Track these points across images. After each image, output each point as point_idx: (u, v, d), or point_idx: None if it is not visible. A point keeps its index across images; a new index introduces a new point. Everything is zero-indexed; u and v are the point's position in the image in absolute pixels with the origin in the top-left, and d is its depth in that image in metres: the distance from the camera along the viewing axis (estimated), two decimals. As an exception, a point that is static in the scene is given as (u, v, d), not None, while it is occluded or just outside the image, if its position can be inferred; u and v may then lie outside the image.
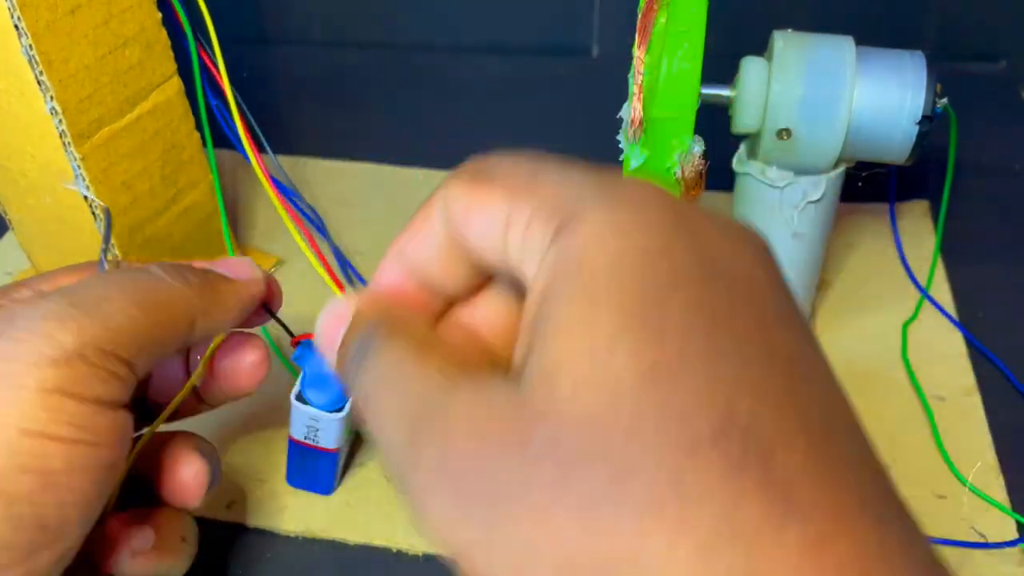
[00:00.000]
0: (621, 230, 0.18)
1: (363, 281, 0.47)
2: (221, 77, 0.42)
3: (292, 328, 0.39)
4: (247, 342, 0.33)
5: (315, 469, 0.38)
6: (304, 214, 0.48)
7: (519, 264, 0.20)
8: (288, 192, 0.46)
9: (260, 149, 0.46)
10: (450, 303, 0.24)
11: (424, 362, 0.20)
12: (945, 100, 0.36)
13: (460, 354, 0.22)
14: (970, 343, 0.44)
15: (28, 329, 0.25)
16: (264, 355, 0.33)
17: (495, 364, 0.22)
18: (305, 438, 0.37)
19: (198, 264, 0.31)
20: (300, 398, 0.36)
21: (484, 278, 0.23)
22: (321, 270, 0.42)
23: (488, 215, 0.21)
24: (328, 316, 0.24)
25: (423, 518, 0.18)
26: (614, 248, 0.18)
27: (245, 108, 0.44)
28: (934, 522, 0.37)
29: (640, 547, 0.15)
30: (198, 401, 0.33)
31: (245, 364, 0.32)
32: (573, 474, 0.16)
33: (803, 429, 0.17)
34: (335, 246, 0.47)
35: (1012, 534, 0.37)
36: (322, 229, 0.46)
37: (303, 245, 0.41)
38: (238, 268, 0.32)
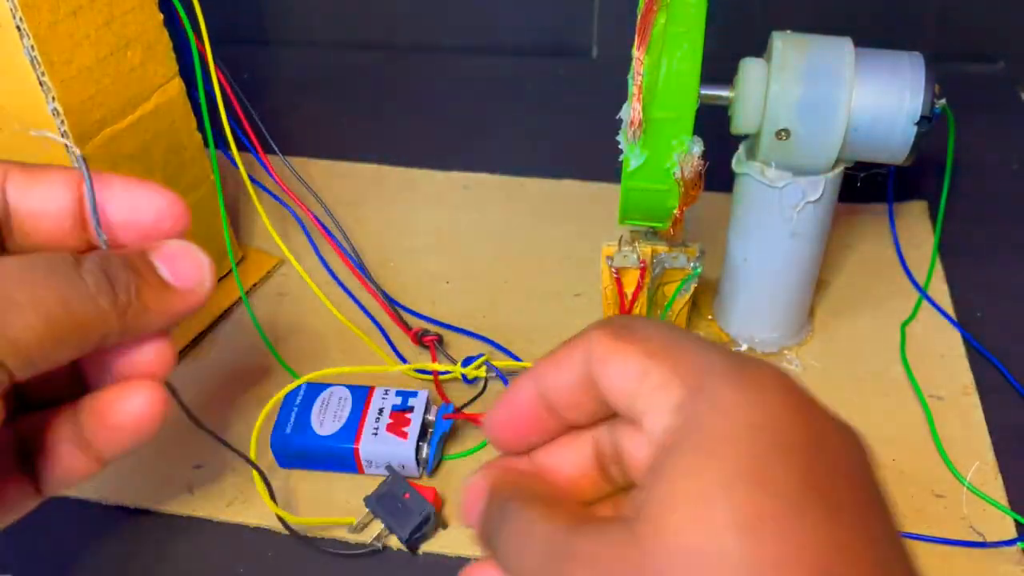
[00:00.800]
0: (743, 406, 0.22)
1: (366, 274, 0.47)
2: (212, 77, 0.42)
3: (285, 332, 0.39)
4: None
5: None
6: (304, 215, 0.48)
7: (642, 413, 0.24)
8: (275, 196, 0.47)
9: (267, 150, 0.46)
10: (566, 429, 0.28)
11: (553, 521, 0.24)
12: (943, 101, 0.36)
13: (580, 510, 0.26)
14: (968, 343, 0.44)
15: None
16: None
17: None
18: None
19: (152, 252, 0.27)
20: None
21: (598, 417, 0.27)
22: (299, 267, 0.42)
23: (625, 365, 0.24)
24: (468, 494, 0.27)
25: None
26: (735, 419, 0.21)
27: (250, 108, 0.44)
28: (933, 521, 0.37)
29: None
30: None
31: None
32: None
33: None
34: (337, 238, 0.47)
35: (1011, 533, 0.37)
36: (307, 231, 0.46)
37: (283, 247, 0.42)
38: (186, 272, 0.27)
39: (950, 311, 0.46)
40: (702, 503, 0.20)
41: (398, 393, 0.40)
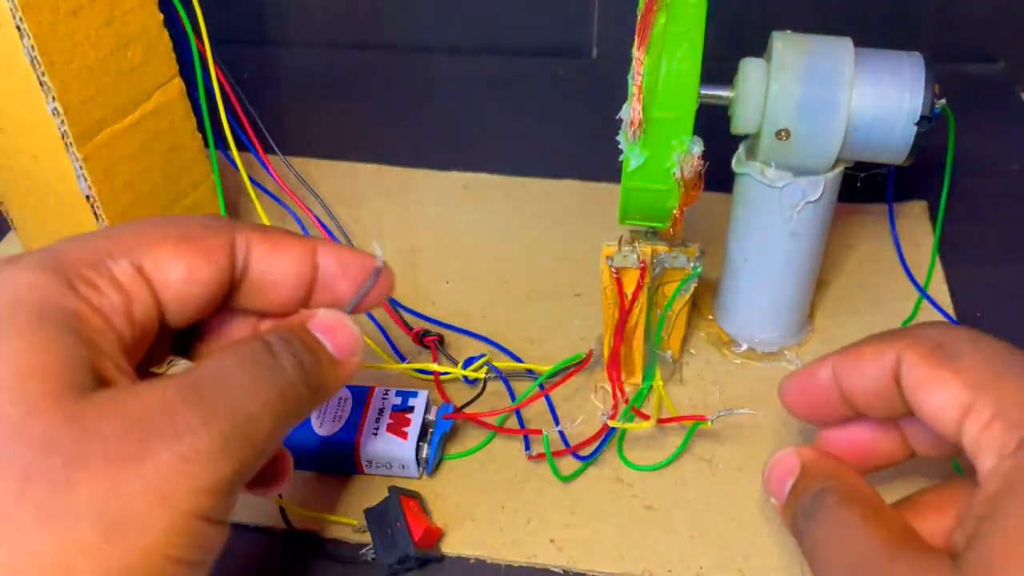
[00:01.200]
0: None
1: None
2: (212, 77, 0.42)
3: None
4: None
5: None
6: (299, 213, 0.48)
7: (972, 452, 0.24)
8: (275, 196, 0.47)
9: (267, 150, 0.46)
10: (852, 415, 0.29)
11: (871, 532, 0.24)
12: (943, 101, 0.36)
13: (900, 526, 0.25)
14: (968, 343, 0.44)
15: (195, 449, 0.23)
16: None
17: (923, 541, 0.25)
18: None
19: (310, 323, 0.28)
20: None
21: (895, 416, 0.28)
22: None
23: (946, 397, 0.24)
24: (777, 466, 0.29)
25: None
26: None
27: (250, 108, 0.44)
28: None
29: None
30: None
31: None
32: None
33: None
34: (336, 239, 0.47)
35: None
36: (307, 232, 0.46)
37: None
38: (345, 344, 0.28)
39: (950, 311, 0.46)
40: None
41: (398, 393, 0.40)
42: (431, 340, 0.44)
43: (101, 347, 0.24)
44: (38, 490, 0.20)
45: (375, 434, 0.38)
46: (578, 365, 0.42)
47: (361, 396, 0.40)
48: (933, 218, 0.51)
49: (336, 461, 0.39)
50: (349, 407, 0.39)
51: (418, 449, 0.38)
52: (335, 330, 0.28)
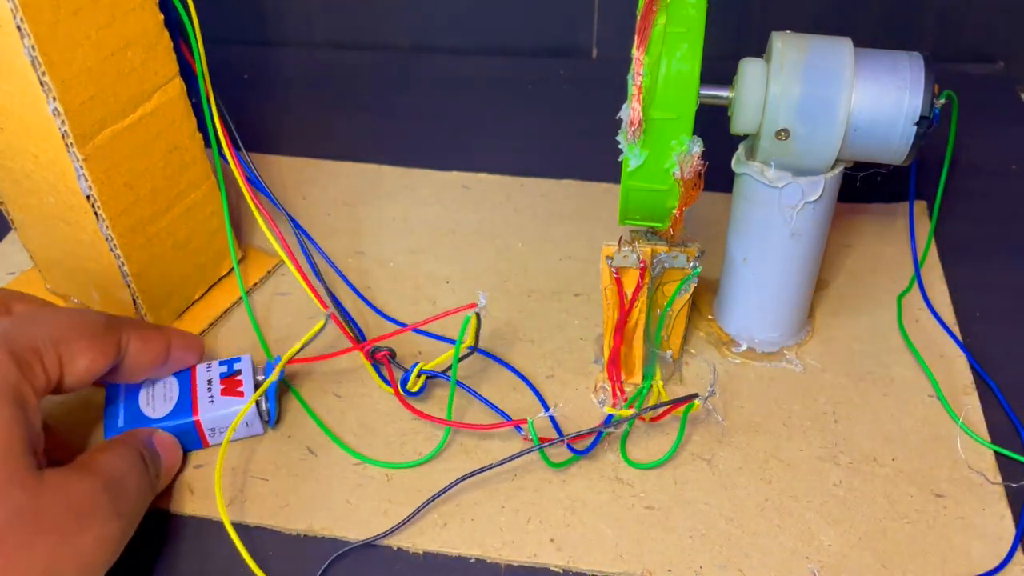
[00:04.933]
0: None
1: (340, 274, 0.47)
2: (206, 78, 0.42)
3: (285, 333, 0.39)
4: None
5: None
6: (288, 215, 0.48)
7: None
8: (261, 187, 0.46)
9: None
10: None
11: None
12: (943, 101, 0.36)
13: None
14: (968, 342, 0.45)
15: (110, 535, 0.33)
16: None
17: None
18: None
19: (154, 436, 0.38)
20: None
21: None
22: (296, 273, 0.42)
23: None
24: None
25: None
26: None
27: (223, 108, 0.44)
28: (932, 520, 0.37)
29: None
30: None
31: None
32: None
33: None
34: (319, 244, 0.47)
35: (1009, 533, 0.37)
36: (300, 228, 0.46)
37: (276, 244, 0.42)
38: (171, 456, 0.38)
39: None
40: None
41: (221, 363, 0.41)
42: (382, 356, 0.42)
43: (36, 426, 0.31)
44: (8, 547, 0.29)
45: (211, 402, 0.39)
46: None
47: (185, 375, 0.41)
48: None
49: (178, 438, 0.40)
50: (176, 387, 0.40)
51: (257, 404, 0.40)
52: (166, 446, 0.38)
